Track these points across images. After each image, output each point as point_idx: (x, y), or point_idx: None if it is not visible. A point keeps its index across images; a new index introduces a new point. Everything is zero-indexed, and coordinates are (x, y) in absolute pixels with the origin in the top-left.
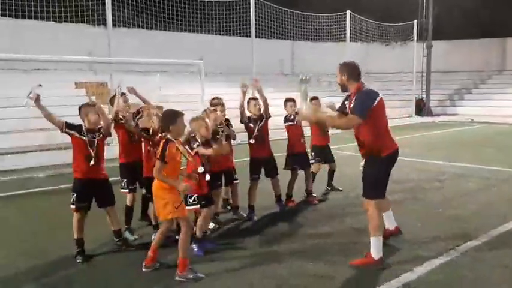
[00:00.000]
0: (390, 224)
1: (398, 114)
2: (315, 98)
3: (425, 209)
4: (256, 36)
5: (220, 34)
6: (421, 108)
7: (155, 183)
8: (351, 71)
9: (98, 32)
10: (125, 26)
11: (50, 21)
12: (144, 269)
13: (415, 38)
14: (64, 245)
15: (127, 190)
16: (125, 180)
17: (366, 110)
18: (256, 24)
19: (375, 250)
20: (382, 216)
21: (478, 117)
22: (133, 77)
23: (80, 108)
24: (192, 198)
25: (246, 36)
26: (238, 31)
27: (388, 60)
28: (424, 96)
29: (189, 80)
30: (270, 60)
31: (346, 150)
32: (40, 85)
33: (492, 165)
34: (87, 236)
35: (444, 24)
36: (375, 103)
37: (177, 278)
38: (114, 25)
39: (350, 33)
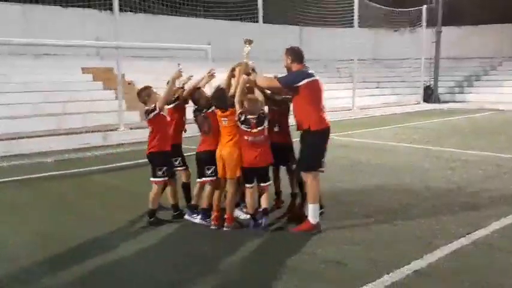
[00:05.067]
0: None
1: (406, 100)
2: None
3: (436, 196)
4: (263, 22)
5: (227, 19)
6: (429, 95)
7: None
8: (295, 54)
9: (104, 17)
10: (132, 11)
11: (56, 5)
12: (225, 228)
13: (424, 24)
14: (79, 227)
15: (184, 167)
16: (179, 159)
17: (290, 83)
18: (263, 9)
19: (313, 216)
20: (319, 186)
21: (487, 104)
22: (140, 63)
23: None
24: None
25: (254, 21)
26: (245, 16)
27: (397, 47)
28: (432, 83)
29: (197, 65)
30: (278, 46)
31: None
32: (179, 64)
33: (504, 152)
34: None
35: (454, 9)
36: (304, 82)
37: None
38: (121, 10)
39: (358, 19)
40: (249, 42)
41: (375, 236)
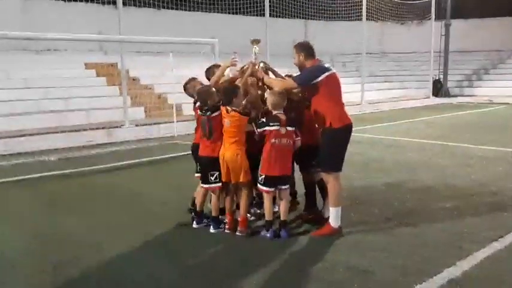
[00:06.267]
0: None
1: (415, 95)
2: (263, 62)
3: (458, 195)
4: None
5: (232, 13)
6: (439, 89)
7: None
8: (307, 49)
9: (107, 12)
10: (135, 5)
11: (58, 0)
12: (238, 233)
13: (433, 17)
14: (80, 229)
15: None
16: None
17: (308, 80)
18: (269, 2)
19: (334, 219)
20: (341, 187)
21: (496, 98)
22: (144, 58)
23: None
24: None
25: (257, 15)
26: (250, 10)
27: (404, 40)
28: (441, 76)
29: (202, 60)
30: (282, 40)
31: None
32: (235, 53)
33: None
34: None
35: (462, 2)
36: (323, 77)
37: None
38: (124, 4)
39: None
40: (256, 42)
41: (400, 240)
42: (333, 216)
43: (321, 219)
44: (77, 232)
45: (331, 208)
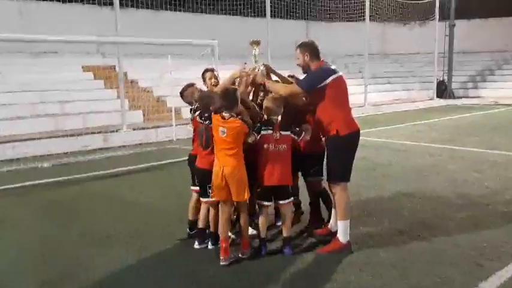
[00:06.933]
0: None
1: (418, 96)
2: (264, 65)
3: (472, 205)
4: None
5: (232, 14)
6: (443, 90)
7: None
8: (312, 49)
9: (105, 13)
10: (133, 7)
11: (54, 1)
12: (241, 255)
13: (437, 17)
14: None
15: None
16: None
17: (314, 84)
18: (270, 3)
19: (343, 234)
20: (349, 199)
21: (502, 99)
22: (143, 60)
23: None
24: None
25: (257, 16)
26: (249, 11)
27: (407, 41)
28: (446, 78)
29: (201, 63)
30: (283, 42)
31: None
32: (245, 63)
33: None
34: None
35: (465, 2)
36: (330, 79)
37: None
38: (122, 5)
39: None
40: (256, 43)
41: (414, 257)
42: (342, 230)
43: (328, 233)
44: (69, 245)
45: (339, 222)
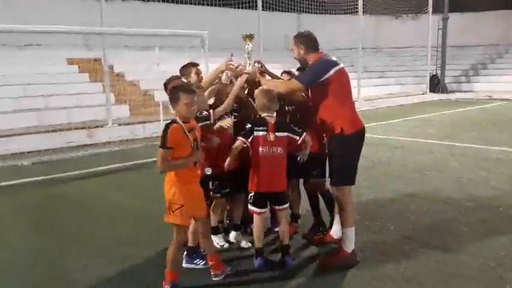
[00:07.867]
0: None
1: (411, 91)
2: (257, 62)
3: (481, 207)
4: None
5: (221, 6)
6: (436, 84)
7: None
8: (309, 41)
9: (90, 6)
10: None
11: None
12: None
13: (430, 10)
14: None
15: None
16: None
17: (315, 79)
18: None
19: (347, 243)
20: (354, 204)
21: (495, 93)
22: (130, 53)
23: None
24: None
25: (246, 8)
26: (240, 2)
27: (399, 35)
28: (439, 72)
29: (190, 55)
30: (274, 35)
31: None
32: (232, 55)
33: None
34: None
35: None
36: (331, 72)
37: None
38: None
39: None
40: (250, 37)
41: (426, 268)
42: (346, 239)
43: (329, 241)
44: (46, 255)
45: (343, 229)
